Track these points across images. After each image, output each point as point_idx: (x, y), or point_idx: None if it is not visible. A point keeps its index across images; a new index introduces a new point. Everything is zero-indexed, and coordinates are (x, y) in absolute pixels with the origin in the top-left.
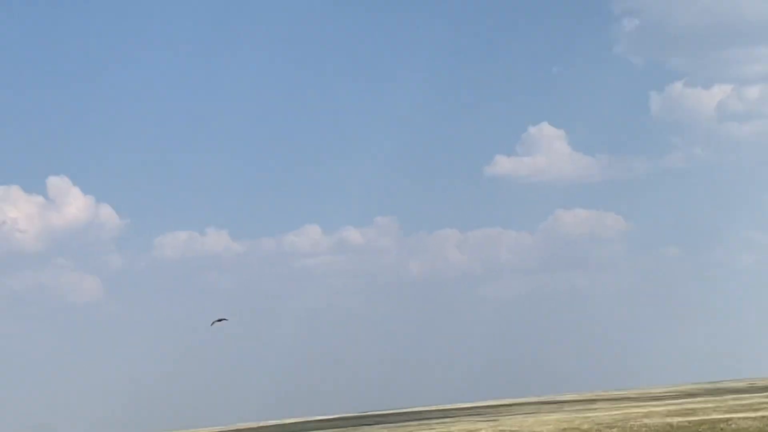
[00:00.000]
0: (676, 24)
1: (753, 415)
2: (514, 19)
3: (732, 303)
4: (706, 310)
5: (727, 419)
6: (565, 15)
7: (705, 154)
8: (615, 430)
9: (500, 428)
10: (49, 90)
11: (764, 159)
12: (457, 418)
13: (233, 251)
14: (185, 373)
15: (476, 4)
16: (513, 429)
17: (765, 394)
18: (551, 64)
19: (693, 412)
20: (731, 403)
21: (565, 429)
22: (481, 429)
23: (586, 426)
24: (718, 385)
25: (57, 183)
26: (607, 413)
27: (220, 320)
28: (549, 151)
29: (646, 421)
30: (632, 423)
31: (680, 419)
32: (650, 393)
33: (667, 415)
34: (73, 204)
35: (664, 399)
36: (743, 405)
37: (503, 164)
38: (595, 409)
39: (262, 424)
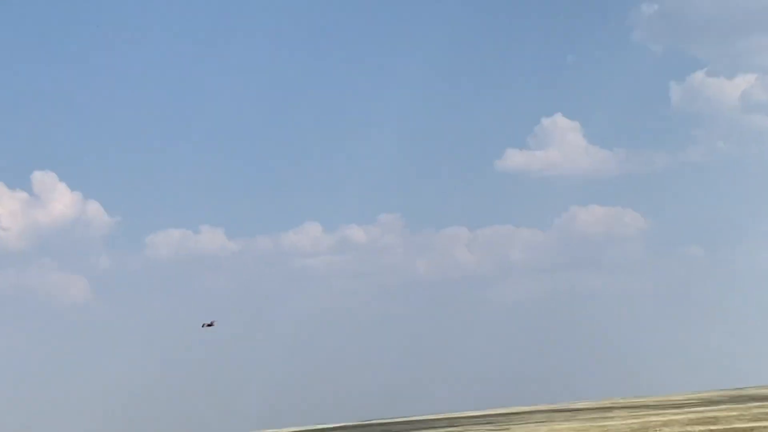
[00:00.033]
0: (698, 10)
1: None
2: (527, 4)
3: (757, 305)
4: (730, 313)
5: (751, 428)
6: (580, 0)
7: (728, 147)
8: None
9: None
10: (34, 80)
11: None
12: (465, 427)
13: (229, 250)
14: (177, 380)
15: None
16: None
17: None
18: (565, 53)
19: (715, 420)
20: (755, 411)
21: None
22: None
23: None
24: (742, 392)
25: (42, 178)
26: (623, 422)
27: (210, 324)
28: (563, 144)
29: (665, 430)
30: None
31: (701, 428)
32: (669, 400)
33: (688, 424)
34: (59, 200)
35: (684, 407)
36: None
37: (514, 158)
38: (611, 417)
39: None
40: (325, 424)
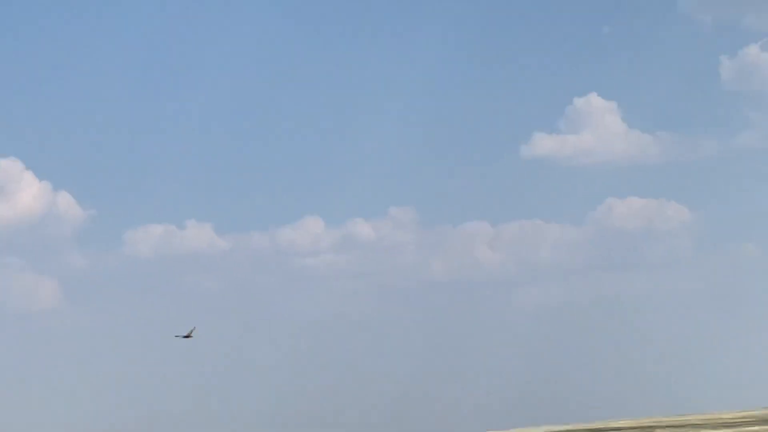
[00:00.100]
0: None
1: None
2: None
3: None
4: None
5: None
6: None
7: None
8: None
9: None
10: None
11: None
12: None
13: (218, 248)
14: (159, 394)
15: None
16: None
17: None
18: (601, 23)
19: None
20: None
21: None
22: None
23: None
24: None
25: (6, 166)
26: None
27: (187, 335)
28: (598, 127)
29: None
30: None
31: None
32: (719, 419)
33: None
34: (26, 191)
35: (737, 426)
36: None
37: (543, 143)
38: None
39: None
40: None
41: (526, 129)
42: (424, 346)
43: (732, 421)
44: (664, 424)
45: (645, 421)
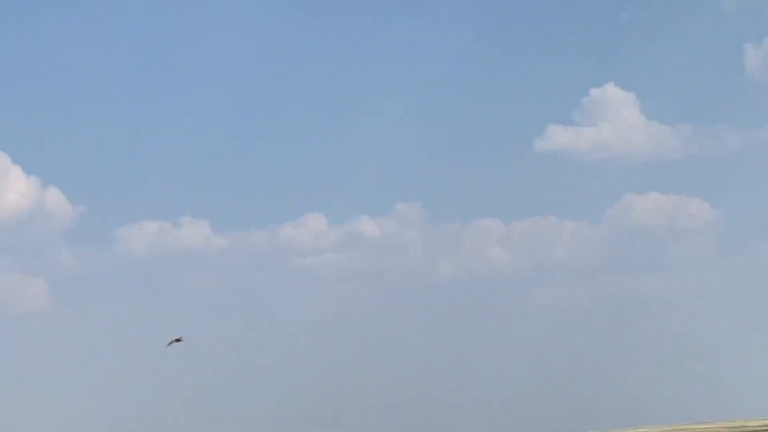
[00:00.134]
0: None
1: None
2: None
3: None
4: None
5: None
6: None
7: None
8: None
9: None
10: None
11: None
12: None
13: (215, 246)
14: (154, 396)
15: None
16: None
17: None
18: (619, 10)
19: None
20: None
21: None
22: None
23: None
24: None
25: None
26: None
27: (177, 340)
28: (616, 119)
29: None
30: None
31: None
32: (744, 427)
33: None
34: (14, 187)
35: None
36: None
37: (558, 136)
38: None
39: None
40: None
41: (539, 121)
42: (431, 348)
43: (758, 428)
44: (688, 431)
45: (666, 429)
